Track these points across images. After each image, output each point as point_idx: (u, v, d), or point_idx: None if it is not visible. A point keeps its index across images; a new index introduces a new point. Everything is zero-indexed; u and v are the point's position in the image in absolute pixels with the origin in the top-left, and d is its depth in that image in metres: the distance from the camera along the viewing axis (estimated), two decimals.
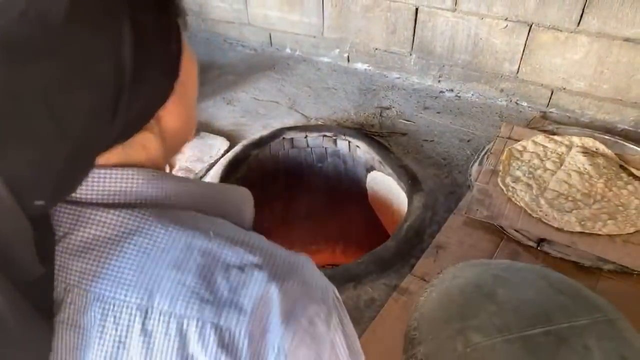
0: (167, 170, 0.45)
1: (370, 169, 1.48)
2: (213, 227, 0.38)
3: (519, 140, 1.33)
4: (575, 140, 1.30)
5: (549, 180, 1.18)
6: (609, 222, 1.06)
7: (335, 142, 1.50)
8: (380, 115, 1.58)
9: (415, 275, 0.99)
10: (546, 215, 1.09)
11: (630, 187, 1.14)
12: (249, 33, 2.08)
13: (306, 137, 1.50)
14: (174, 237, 0.36)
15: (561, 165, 1.23)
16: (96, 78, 0.32)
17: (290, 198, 1.65)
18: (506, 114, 1.57)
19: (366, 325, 0.91)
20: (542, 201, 1.13)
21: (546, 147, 1.30)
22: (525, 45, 1.48)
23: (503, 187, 1.17)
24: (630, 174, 1.19)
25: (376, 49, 1.79)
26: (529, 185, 1.17)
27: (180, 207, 0.38)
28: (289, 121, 1.56)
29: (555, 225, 1.06)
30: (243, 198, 0.44)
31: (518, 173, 1.21)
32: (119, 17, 0.33)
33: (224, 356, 0.34)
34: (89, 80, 0.32)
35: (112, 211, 0.36)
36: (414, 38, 1.68)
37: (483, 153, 1.34)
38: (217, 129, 1.53)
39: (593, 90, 1.46)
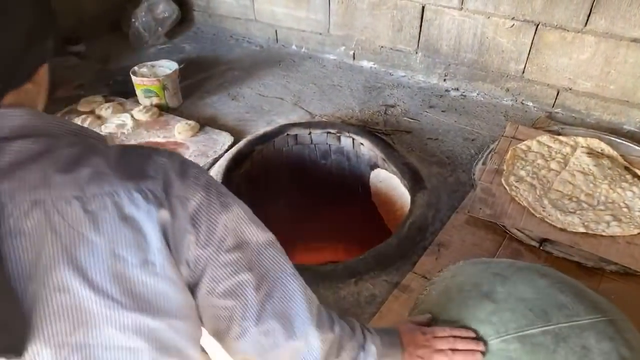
0: None
1: (373, 166, 1.48)
2: (101, 143, 0.51)
3: (523, 140, 1.32)
4: (581, 140, 1.30)
5: (553, 181, 1.18)
6: (612, 223, 1.05)
7: (339, 139, 1.50)
8: (385, 113, 1.58)
9: (417, 273, 0.99)
10: (549, 215, 1.09)
11: (635, 188, 1.13)
12: (255, 29, 2.09)
13: (310, 133, 1.50)
14: (78, 148, 0.47)
15: (566, 165, 1.22)
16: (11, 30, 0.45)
17: (294, 194, 1.65)
18: (511, 113, 1.56)
19: (367, 321, 0.91)
20: (546, 201, 1.12)
21: (551, 147, 1.29)
22: (531, 44, 1.48)
23: (506, 187, 1.17)
24: (635, 176, 1.19)
25: (382, 46, 1.78)
26: (532, 185, 1.17)
27: (61, 134, 0.49)
28: (294, 117, 1.56)
29: (559, 225, 1.06)
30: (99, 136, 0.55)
31: (522, 173, 1.21)
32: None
33: (152, 205, 0.46)
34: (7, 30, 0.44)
35: (19, 141, 0.45)
36: (420, 36, 1.67)
37: (487, 152, 1.33)
38: (222, 124, 1.54)
39: (599, 91, 1.45)
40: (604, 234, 1.04)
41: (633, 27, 1.30)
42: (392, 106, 1.61)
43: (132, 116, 1.52)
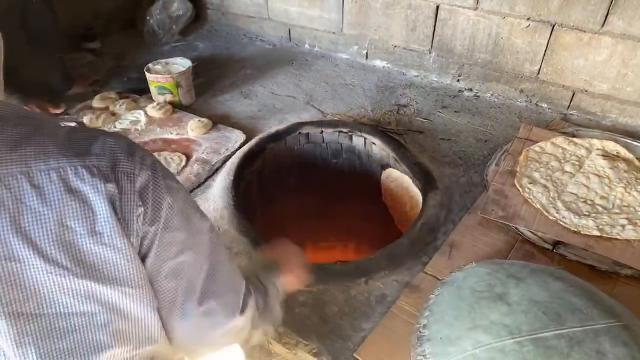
0: None
1: (385, 166, 1.47)
2: (51, 124, 0.53)
3: (537, 142, 1.31)
4: (596, 143, 1.28)
5: (567, 183, 1.17)
6: (628, 227, 1.04)
7: (351, 138, 1.50)
8: (397, 112, 1.57)
9: (428, 273, 0.99)
10: (563, 218, 1.07)
11: None
12: (268, 28, 2.09)
13: (322, 132, 1.50)
14: (25, 128, 0.49)
15: (580, 168, 1.21)
16: None
17: (304, 193, 1.65)
18: (525, 115, 1.55)
19: (377, 321, 0.91)
20: (560, 204, 1.11)
21: (565, 149, 1.28)
22: (547, 45, 1.46)
23: (520, 188, 1.16)
24: None
25: (395, 46, 1.78)
26: (546, 187, 1.16)
27: (8, 116, 0.50)
28: (306, 116, 1.56)
29: (572, 228, 1.05)
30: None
31: (535, 175, 1.20)
32: None
33: (98, 180, 0.48)
34: None
35: None
36: (433, 36, 1.66)
37: (500, 153, 1.32)
38: (234, 121, 1.54)
39: (616, 93, 1.43)
40: (618, 237, 1.02)
41: None
42: (405, 106, 1.61)
43: (145, 113, 1.54)
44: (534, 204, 1.12)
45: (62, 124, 0.57)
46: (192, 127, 1.45)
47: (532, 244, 1.05)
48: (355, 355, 0.85)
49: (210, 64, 1.91)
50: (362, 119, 1.55)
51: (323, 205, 1.71)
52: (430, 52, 1.71)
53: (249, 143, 1.41)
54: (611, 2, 1.30)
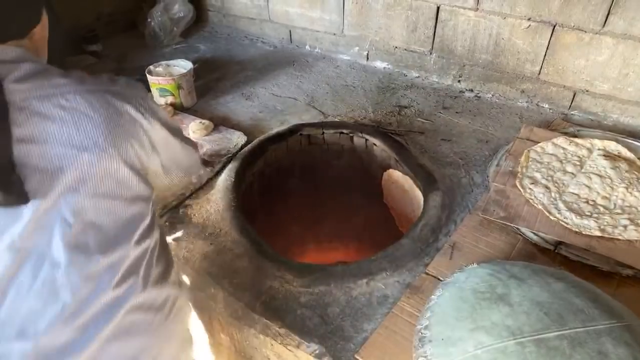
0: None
1: (386, 167, 1.48)
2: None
3: (538, 142, 1.31)
4: (597, 143, 1.28)
5: (568, 183, 1.17)
6: (630, 227, 1.04)
7: (352, 139, 1.50)
8: (399, 113, 1.57)
9: (429, 274, 0.99)
10: (565, 218, 1.07)
11: None
12: (269, 29, 2.10)
13: (323, 133, 1.50)
14: (65, 70, 0.68)
15: (582, 168, 1.21)
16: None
17: (305, 194, 1.66)
18: (526, 115, 1.55)
19: (378, 322, 0.91)
20: (561, 204, 1.11)
21: (566, 149, 1.27)
22: (548, 45, 1.46)
23: (521, 189, 1.16)
24: None
25: (396, 47, 1.78)
26: (547, 188, 1.16)
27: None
28: (307, 117, 1.56)
29: (574, 228, 1.05)
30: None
31: (537, 175, 1.20)
32: None
33: (124, 100, 0.70)
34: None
35: (26, 63, 0.64)
36: (434, 37, 1.67)
37: (502, 154, 1.32)
38: (235, 123, 1.54)
39: (617, 93, 1.43)
40: (620, 237, 1.02)
41: None
42: (406, 107, 1.61)
43: None
44: (535, 205, 1.12)
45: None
46: (194, 129, 1.45)
47: (533, 244, 1.05)
48: (356, 356, 0.85)
49: (211, 66, 1.91)
50: (363, 120, 1.55)
51: (324, 207, 1.71)
52: (431, 53, 1.71)
53: (250, 144, 1.42)
54: (612, 3, 1.30)
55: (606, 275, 0.97)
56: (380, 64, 1.86)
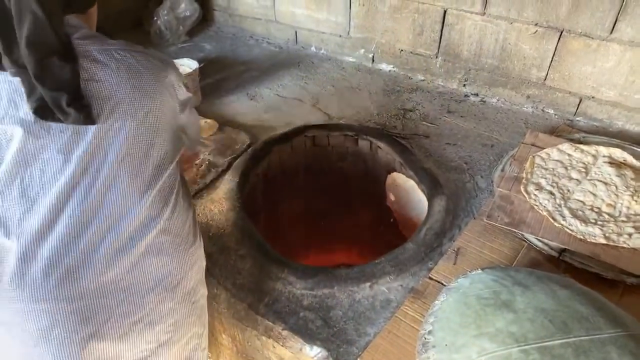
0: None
1: (390, 170, 1.47)
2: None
3: (543, 148, 1.30)
4: (603, 150, 1.27)
5: (573, 190, 1.16)
6: (635, 235, 1.03)
7: (356, 141, 1.50)
8: (403, 116, 1.57)
9: (433, 279, 0.99)
10: (569, 225, 1.07)
11: None
12: (275, 30, 2.10)
13: (328, 135, 1.50)
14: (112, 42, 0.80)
15: (587, 175, 1.20)
16: None
17: (309, 196, 1.66)
18: (532, 120, 1.54)
19: (381, 326, 0.91)
20: (566, 211, 1.11)
21: (572, 155, 1.27)
22: (554, 51, 1.46)
23: (526, 195, 1.16)
24: None
25: (402, 50, 1.78)
26: (552, 194, 1.15)
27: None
28: (312, 119, 1.56)
29: (579, 235, 1.05)
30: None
31: (542, 181, 1.19)
32: None
33: (158, 62, 0.83)
34: None
35: (83, 28, 0.78)
36: (440, 40, 1.66)
37: (506, 159, 1.32)
38: (240, 123, 1.54)
39: (623, 100, 1.43)
40: (625, 245, 1.02)
41: None
42: (411, 110, 1.61)
43: None
44: (540, 211, 1.11)
45: None
46: None
47: (538, 251, 1.05)
48: None
49: (216, 66, 1.91)
50: (368, 122, 1.55)
51: (328, 209, 1.71)
52: (437, 57, 1.71)
53: (254, 145, 1.42)
54: (620, 10, 1.30)
55: (610, 283, 0.97)
56: (385, 67, 1.86)
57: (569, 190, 1.17)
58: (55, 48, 0.69)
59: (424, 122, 1.54)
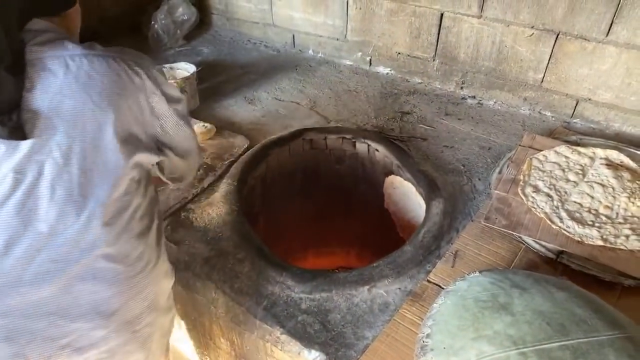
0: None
1: (388, 173, 1.48)
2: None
3: (540, 150, 1.31)
4: (599, 152, 1.28)
5: (570, 192, 1.17)
6: (632, 237, 1.04)
7: (354, 144, 1.50)
8: (401, 119, 1.57)
9: (431, 282, 0.99)
10: (567, 227, 1.07)
11: None
12: (272, 33, 2.10)
13: (325, 138, 1.50)
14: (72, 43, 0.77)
15: (584, 177, 1.21)
16: None
17: (307, 199, 1.66)
18: (529, 123, 1.55)
19: (380, 329, 0.91)
20: (563, 213, 1.11)
21: (569, 157, 1.27)
22: (551, 54, 1.47)
23: (523, 197, 1.16)
24: None
25: (399, 53, 1.78)
26: (549, 196, 1.16)
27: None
28: (309, 122, 1.56)
29: (576, 237, 1.05)
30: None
31: (539, 183, 1.20)
32: None
33: (124, 64, 0.79)
34: None
35: (49, 32, 0.75)
36: (437, 43, 1.67)
37: (504, 161, 1.32)
38: (238, 127, 1.55)
39: (619, 102, 1.43)
40: (622, 247, 1.02)
41: None
42: (408, 113, 1.61)
43: None
44: (537, 213, 1.12)
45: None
46: (196, 133, 1.45)
47: (535, 253, 1.05)
48: None
49: (214, 69, 1.91)
50: (365, 125, 1.55)
51: (326, 212, 1.71)
52: (434, 60, 1.71)
53: (252, 149, 1.42)
54: (615, 12, 1.30)
55: (608, 285, 0.97)
56: (383, 70, 1.86)
57: (566, 192, 1.17)
58: (5, 59, 0.66)
59: (422, 125, 1.54)
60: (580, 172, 1.22)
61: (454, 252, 1.06)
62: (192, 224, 1.18)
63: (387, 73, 1.86)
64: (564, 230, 1.07)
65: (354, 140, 1.49)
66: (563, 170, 1.24)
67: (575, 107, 1.52)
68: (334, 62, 1.95)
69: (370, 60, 1.88)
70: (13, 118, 0.68)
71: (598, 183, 1.17)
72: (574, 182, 1.20)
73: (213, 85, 1.80)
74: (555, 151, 1.30)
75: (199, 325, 1.15)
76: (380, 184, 1.53)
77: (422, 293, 0.96)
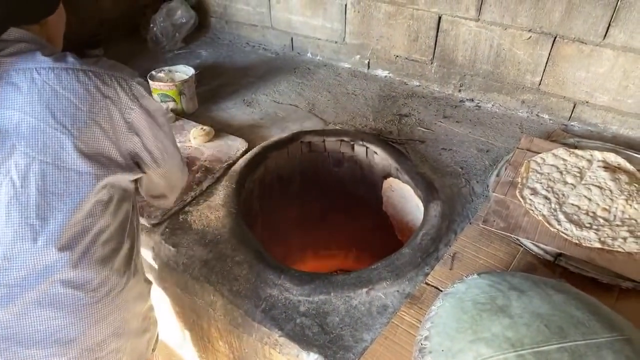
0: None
1: (387, 175, 1.48)
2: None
3: (538, 153, 1.31)
4: (597, 154, 1.28)
5: (568, 194, 1.17)
6: (629, 239, 1.04)
7: (352, 147, 1.50)
8: (399, 122, 1.58)
9: (430, 284, 0.99)
10: (565, 229, 1.07)
11: None
12: (271, 36, 2.10)
13: (324, 141, 1.50)
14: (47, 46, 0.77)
15: (581, 179, 1.21)
16: None
17: (306, 201, 1.66)
18: (526, 125, 1.55)
19: (378, 332, 0.91)
20: (561, 215, 1.11)
21: (566, 160, 1.28)
22: (548, 57, 1.47)
23: (521, 199, 1.16)
24: None
25: (397, 56, 1.79)
26: (547, 199, 1.16)
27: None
28: (308, 125, 1.56)
29: (574, 240, 1.05)
30: None
31: (537, 186, 1.20)
32: None
33: (97, 80, 0.74)
34: None
35: (22, 43, 0.72)
36: (435, 46, 1.67)
37: (502, 164, 1.33)
38: (237, 129, 1.55)
39: (617, 105, 1.44)
40: (620, 250, 1.02)
41: None
42: (406, 115, 1.61)
43: None
44: (535, 215, 1.12)
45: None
46: (195, 135, 1.46)
47: (533, 255, 1.05)
48: None
49: (212, 72, 1.92)
50: (364, 128, 1.55)
51: (324, 214, 1.71)
52: (432, 63, 1.72)
53: (251, 151, 1.42)
54: (612, 15, 1.31)
55: (606, 287, 0.98)
56: (381, 73, 1.87)
57: (564, 195, 1.17)
58: None
59: (420, 128, 1.54)
60: (578, 174, 1.23)
61: (452, 255, 1.06)
62: (191, 227, 1.18)
63: (386, 76, 1.86)
64: (562, 232, 1.07)
65: (352, 142, 1.49)
66: (561, 172, 1.24)
67: (573, 109, 1.52)
68: (332, 65, 1.96)
69: (369, 63, 1.88)
70: None
71: (596, 185, 1.18)
72: (572, 184, 1.20)
73: (212, 88, 1.80)
74: (553, 154, 1.30)
75: (197, 328, 1.15)
76: (378, 187, 1.54)
77: (420, 295, 0.97)
